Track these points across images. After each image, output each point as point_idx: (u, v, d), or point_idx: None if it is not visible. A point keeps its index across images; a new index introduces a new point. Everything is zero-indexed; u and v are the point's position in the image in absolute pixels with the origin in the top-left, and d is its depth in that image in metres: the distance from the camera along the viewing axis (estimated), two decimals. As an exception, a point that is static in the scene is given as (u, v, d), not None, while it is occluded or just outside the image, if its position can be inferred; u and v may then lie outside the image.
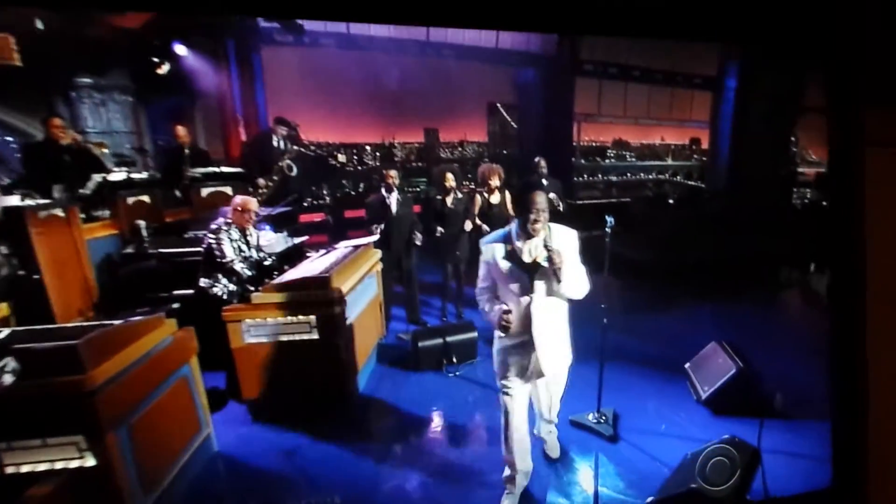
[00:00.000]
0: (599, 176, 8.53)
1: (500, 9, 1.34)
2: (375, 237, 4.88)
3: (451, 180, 5.21)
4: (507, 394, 2.60)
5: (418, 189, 9.78)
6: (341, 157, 10.39)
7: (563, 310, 2.53)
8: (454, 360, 4.44)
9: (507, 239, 2.40)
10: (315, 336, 3.64)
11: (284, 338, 3.63)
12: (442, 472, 3.03)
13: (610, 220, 3.04)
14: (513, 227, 2.42)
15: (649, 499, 2.63)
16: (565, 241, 2.41)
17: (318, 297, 3.62)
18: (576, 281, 2.37)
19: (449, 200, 5.22)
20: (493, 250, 2.40)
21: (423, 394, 4.08)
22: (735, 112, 9.65)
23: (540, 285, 2.38)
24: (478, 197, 5.34)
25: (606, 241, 3.04)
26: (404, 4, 1.39)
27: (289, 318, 3.63)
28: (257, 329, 3.62)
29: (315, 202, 9.23)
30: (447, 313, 5.60)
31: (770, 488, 2.56)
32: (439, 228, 5.14)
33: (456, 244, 5.27)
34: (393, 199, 5.13)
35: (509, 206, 5.36)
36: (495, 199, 5.35)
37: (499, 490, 2.79)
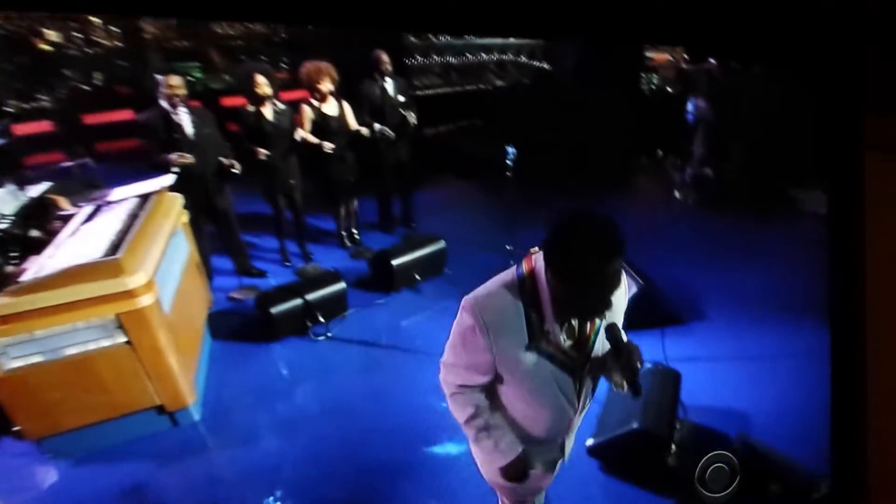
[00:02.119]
0: (435, 57, 8.05)
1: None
2: (170, 178, 3.72)
3: (263, 86, 4.18)
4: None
5: (193, 79, 7.89)
6: (53, 36, 7.93)
7: None
8: (320, 318, 3.93)
9: (529, 308, 1.37)
10: (121, 340, 2.75)
11: (73, 350, 2.67)
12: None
13: (511, 151, 2.84)
14: (540, 283, 1.36)
15: (589, 441, 2.76)
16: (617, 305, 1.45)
17: (110, 288, 2.66)
18: None
19: (268, 113, 4.24)
20: (502, 324, 1.38)
21: (291, 372, 3.61)
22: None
23: (589, 386, 1.57)
24: (305, 108, 4.48)
25: (509, 174, 2.85)
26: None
27: (70, 324, 2.63)
28: (21, 348, 2.58)
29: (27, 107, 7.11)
30: (289, 256, 4.90)
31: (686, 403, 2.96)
32: (262, 151, 4.21)
33: (286, 169, 4.44)
34: (184, 117, 3.92)
35: (351, 119, 4.66)
36: (330, 108, 4.57)
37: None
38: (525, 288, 1.36)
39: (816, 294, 3.90)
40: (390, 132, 4.82)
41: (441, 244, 4.54)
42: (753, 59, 4.11)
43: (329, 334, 3.93)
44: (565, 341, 1.40)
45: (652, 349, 3.35)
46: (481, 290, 1.44)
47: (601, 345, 1.47)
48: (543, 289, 1.34)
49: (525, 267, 1.40)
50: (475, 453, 1.69)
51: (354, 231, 5.27)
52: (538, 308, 1.35)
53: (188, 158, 3.82)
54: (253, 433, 3.12)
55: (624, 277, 1.39)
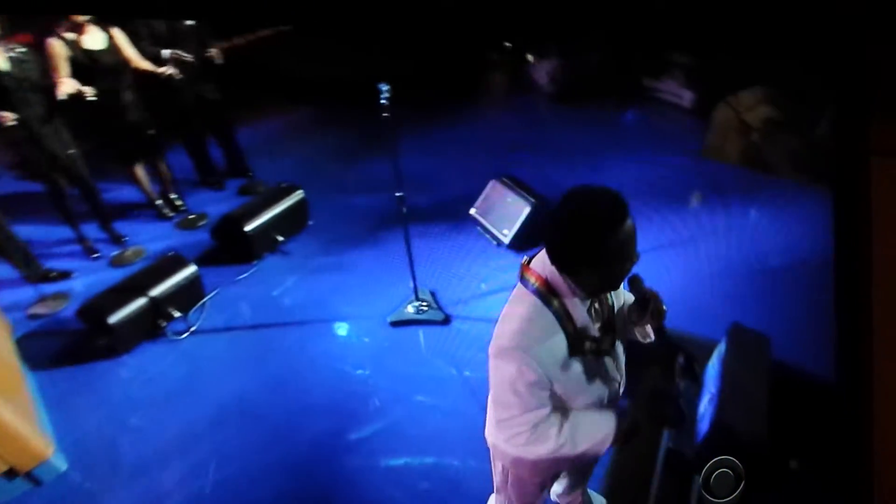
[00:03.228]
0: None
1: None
2: None
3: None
4: None
5: None
6: None
7: None
8: (174, 313, 3.43)
9: (561, 318, 1.36)
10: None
11: None
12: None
13: (384, 87, 2.67)
14: (560, 287, 1.36)
15: None
16: None
17: None
18: None
19: (-1, 61, 3.26)
20: (548, 352, 1.35)
21: (161, 382, 3.20)
22: None
23: (622, 354, 1.60)
24: (54, 44, 3.55)
25: (386, 116, 2.72)
26: None
27: None
28: None
29: None
30: (92, 244, 4.09)
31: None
32: (7, 115, 3.29)
33: (53, 136, 3.56)
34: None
35: (129, 50, 3.85)
36: (93, 40, 3.69)
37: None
38: (547, 300, 1.34)
39: (703, 171, 4.58)
40: (186, 55, 4.08)
41: (299, 194, 4.16)
42: (761, 58, 4.16)
43: (193, 328, 3.46)
44: (596, 328, 1.43)
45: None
46: (512, 331, 1.36)
47: (619, 311, 1.53)
48: (565, 290, 1.34)
49: (533, 279, 1.37)
50: (583, 450, 1.54)
51: (173, 196, 4.53)
52: (567, 312, 1.35)
53: None
54: (144, 462, 2.74)
55: None
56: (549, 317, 1.34)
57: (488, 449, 1.76)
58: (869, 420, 1.49)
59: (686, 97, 5.43)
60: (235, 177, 4.89)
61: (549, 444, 1.44)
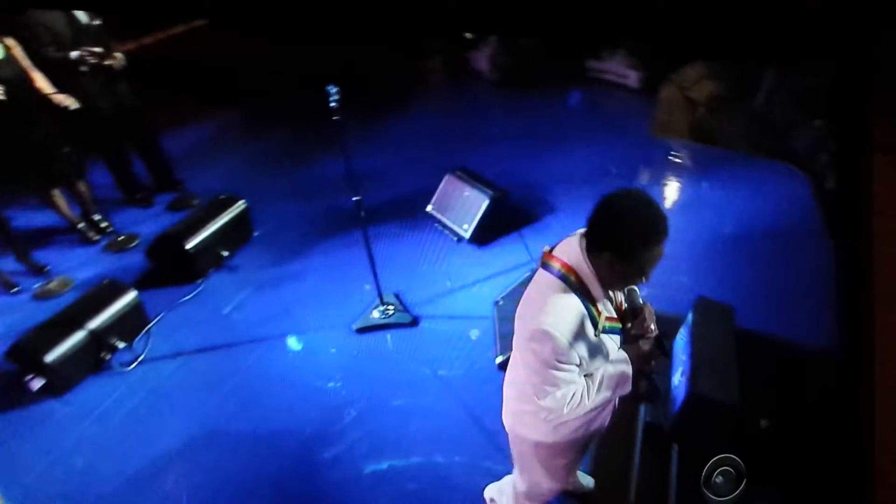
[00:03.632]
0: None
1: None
2: None
3: None
4: None
5: None
6: None
7: None
8: (118, 344, 3.24)
9: (585, 300, 1.53)
10: None
11: None
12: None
13: (333, 90, 2.66)
14: (584, 274, 1.52)
15: (498, 358, 2.99)
16: None
17: None
18: None
19: None
20: (577, 330, 1.52)
21: (114, 421, 2.99)
22: None
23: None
24: None
25: (336, 118, 2.71)
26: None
27: None
28: None
29: None
30: (9, 278, 3.79)
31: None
32: None
33: None
34: None
35: (23, 60, 3.60)
36: None
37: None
38: (573, 284, 1.49)
39: (653, 149, 4.78)
40: (97, 48, 3.80)
41: (241, 205, 4.01)
42: (764, 61, 4.19)
43: (140, 357, 3.27)
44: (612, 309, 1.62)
45: (518, 255, 3.76)
46: (545, 315, 1.48)
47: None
48: (590, 277, 1.50)
49: (559, 265, 1.51)
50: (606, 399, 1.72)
51: (97, 217, 4.24)
52: (590, 296, 1.51)
53: None
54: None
55: None
56: (575, 299, 1.49)
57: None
58: (870, 417, 1.55)
59: (631, 77, 5.64)
60: (164, 191, 4.65)
61: (586, 402, 1.61)
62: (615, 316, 1.62)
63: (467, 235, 3.81)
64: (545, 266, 1.55)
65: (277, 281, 3.82)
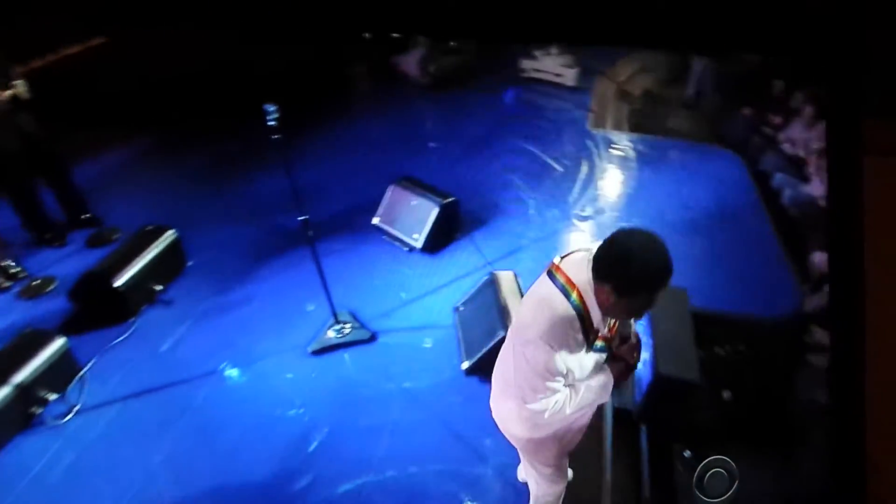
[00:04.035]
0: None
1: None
2: None
3: None
4: None
5: None
6: None
7: None
8: (48, 396, 3.01)
9: (581, 315, 1.60)
10: None
11: None
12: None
13: (271, 108, 2.61)
14: (586, 294, 1.60)
15: (464, 364, 3.01)
16: None
17: None
18: None
19: None
20: (569, 341, 1.61)
21: (49, 482, 2.76)
22: None
23: None
24: None
25: (277, 137, 2.65)
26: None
27: None
28: None
29: None
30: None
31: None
32: None
33: None
34: None
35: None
36: None
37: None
38: (573, 300, 1.57)
39: (589, 150, 4.93)
40: None
41: (171, 234, 3.82)
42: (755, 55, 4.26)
43: (76, 408, 3.05)
44: (606, 329, 1.70)
45: (472, 259, 3.85)
46: (543, 323, 1.58)
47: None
48: (590, 298, 1.57)
49: (563, 279, 1.60)
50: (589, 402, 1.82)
51: (7, 262, 3.91)
52: (588, 314, 1.59)
53: None
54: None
55: None
56: (572, 314, 1.57)
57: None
58: (862, 412, 1.63)
59: (567, 74, 5.80)
60: (80, 227, 4.36)
61: (566, 409, 1.72)
62: (608, 335, 1.71)
63: (419, 245, 3.82)
64: (550, 276, 1.63)
65: (219, 310, 3.67)
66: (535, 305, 1.65)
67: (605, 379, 1.75)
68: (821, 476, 2.14)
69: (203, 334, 3.52)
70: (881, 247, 1.54)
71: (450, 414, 2.89)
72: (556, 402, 1.69)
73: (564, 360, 1.60)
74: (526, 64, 6.08)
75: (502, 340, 2.70)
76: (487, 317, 3.04)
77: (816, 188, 3.72)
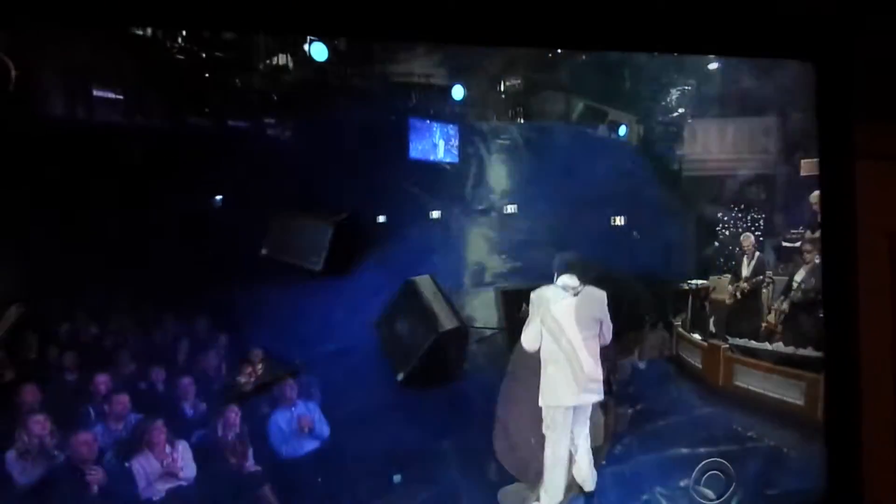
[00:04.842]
0: None
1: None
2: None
3: None
4: None
5: None
6: None
7: None
8: None
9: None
10: None
11: None
12: None
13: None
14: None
15: (399, 375, 3.00)
16: None
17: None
18: None
19: None
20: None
21: None
22: None
23: None
24: None
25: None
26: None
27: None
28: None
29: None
30: None
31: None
32: None
33: None
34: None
35: None
36: None
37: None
38: None
39: (474, 143, 4.85)
40: None
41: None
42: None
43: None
44: None
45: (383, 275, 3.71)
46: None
47: None
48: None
49: None
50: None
51: None
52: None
53: None
54: None
55: None
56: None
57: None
58: (858, 418, 1.68)
59: (437, 74, 5.41)
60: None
61: None
62: None
63: (319, 267, 3.63)
64: None
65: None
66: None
67: None
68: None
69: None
70: (873, 248, 1.58)
71: (391, 425, 2.88)
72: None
73: None
74: (393, 68, 5.96)
75: (436, 343, 2.75)
76: (407, 330, 3.04)
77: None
